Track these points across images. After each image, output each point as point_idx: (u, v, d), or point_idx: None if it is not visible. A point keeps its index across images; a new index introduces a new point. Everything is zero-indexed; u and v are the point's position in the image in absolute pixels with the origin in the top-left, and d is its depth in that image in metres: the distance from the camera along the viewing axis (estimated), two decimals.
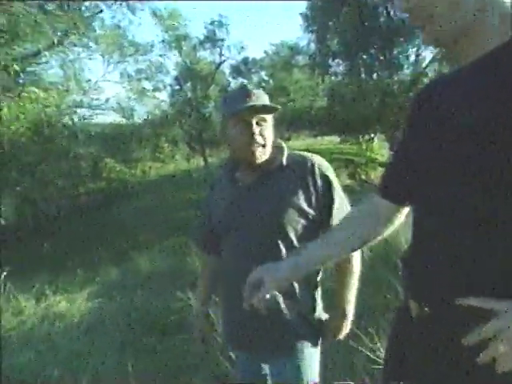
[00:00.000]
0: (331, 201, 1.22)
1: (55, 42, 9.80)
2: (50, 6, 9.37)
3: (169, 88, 17.94)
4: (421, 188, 0.79)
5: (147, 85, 17.25)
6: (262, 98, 1.21)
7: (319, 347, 1.28)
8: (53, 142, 10.22)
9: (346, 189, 1.33)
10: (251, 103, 1.17)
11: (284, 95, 20.71)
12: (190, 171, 16.11)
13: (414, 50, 13.14)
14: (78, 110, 12.76)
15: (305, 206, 1.20)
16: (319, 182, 1.22)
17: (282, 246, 1.20)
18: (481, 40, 0.69)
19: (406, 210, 0.95)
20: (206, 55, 18.40)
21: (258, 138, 1.19)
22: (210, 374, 2.30)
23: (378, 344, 1.90)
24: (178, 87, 17.80)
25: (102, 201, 12.26)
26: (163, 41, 16.51)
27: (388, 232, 0.98)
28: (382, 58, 12.69)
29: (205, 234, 1.42)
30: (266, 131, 1.21)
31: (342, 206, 1.24)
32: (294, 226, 1.20)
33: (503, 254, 0.66)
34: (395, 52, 12.69)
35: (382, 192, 0.94)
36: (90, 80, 13.54)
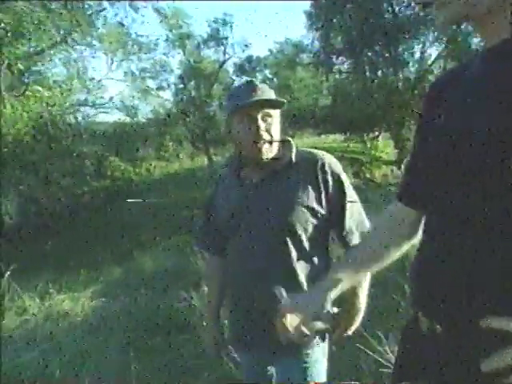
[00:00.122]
0: (343, 200, 1.19)
1: (58, 40, 9.82)
2: (54, 5, 9.40)
3: (173, 86, 17.89)
4: (433, 191, 0.74)
5: (151, 83, 17.36)
6: (267, 92, 1.17)
7: (326, 344, 1.23)
8: (57, 141, 10.27)
9: None
10: (256, 98, 1.13)
11: (288, 93, 20.65)
12: (194, 170, 16.09)
13: (419, 46, 13.10)
14: (82, 109, 12.86)
15: (315, 204, 1.16)
16: (330, 180, 1.18)
17: (291, 246, 1.17)
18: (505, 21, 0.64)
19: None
20: (209, 54, 18.33)
21: (264, 134, 1.16)
22: (213, 374, 2.28)
23: (386, 346, 1.86)
24: (181, 86, 17.74)
25: (105, 199, 12.26)
26: (167, 39, 16.50)
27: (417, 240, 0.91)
28: (386, 55, 12.60)
29: (209, 235, 1.38)
30: (272, 127, 1.18)
31: (353, 205, 1.20)
32: (304, 225, 1.17)
33: None
34: (400, 49, 12.60)
35: (404, 199, 0.89)
36: (93, 78, 13.64)
